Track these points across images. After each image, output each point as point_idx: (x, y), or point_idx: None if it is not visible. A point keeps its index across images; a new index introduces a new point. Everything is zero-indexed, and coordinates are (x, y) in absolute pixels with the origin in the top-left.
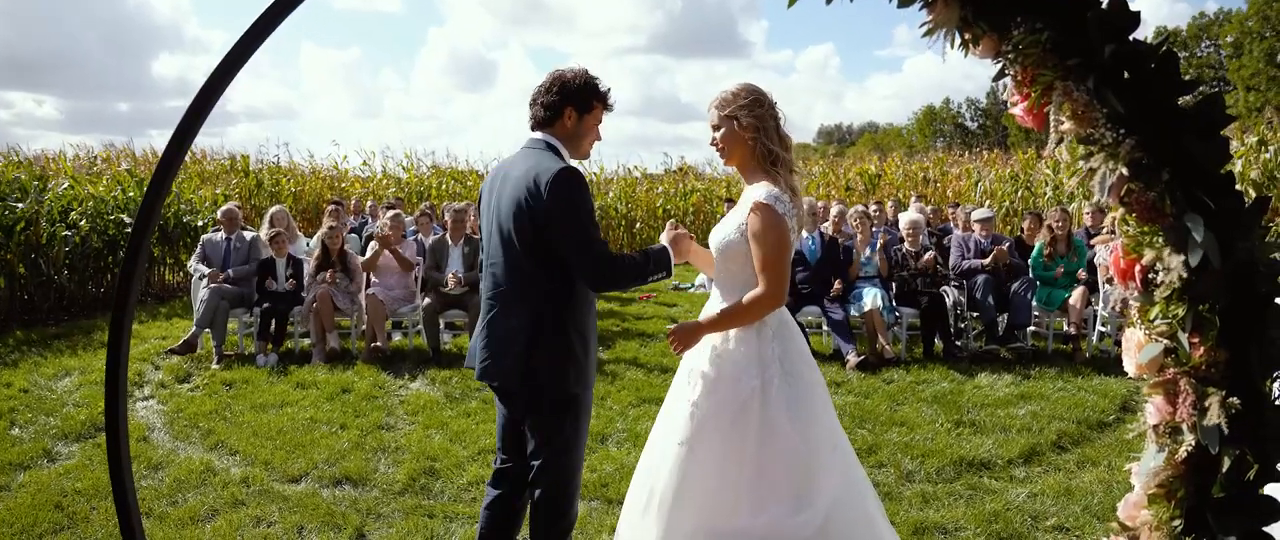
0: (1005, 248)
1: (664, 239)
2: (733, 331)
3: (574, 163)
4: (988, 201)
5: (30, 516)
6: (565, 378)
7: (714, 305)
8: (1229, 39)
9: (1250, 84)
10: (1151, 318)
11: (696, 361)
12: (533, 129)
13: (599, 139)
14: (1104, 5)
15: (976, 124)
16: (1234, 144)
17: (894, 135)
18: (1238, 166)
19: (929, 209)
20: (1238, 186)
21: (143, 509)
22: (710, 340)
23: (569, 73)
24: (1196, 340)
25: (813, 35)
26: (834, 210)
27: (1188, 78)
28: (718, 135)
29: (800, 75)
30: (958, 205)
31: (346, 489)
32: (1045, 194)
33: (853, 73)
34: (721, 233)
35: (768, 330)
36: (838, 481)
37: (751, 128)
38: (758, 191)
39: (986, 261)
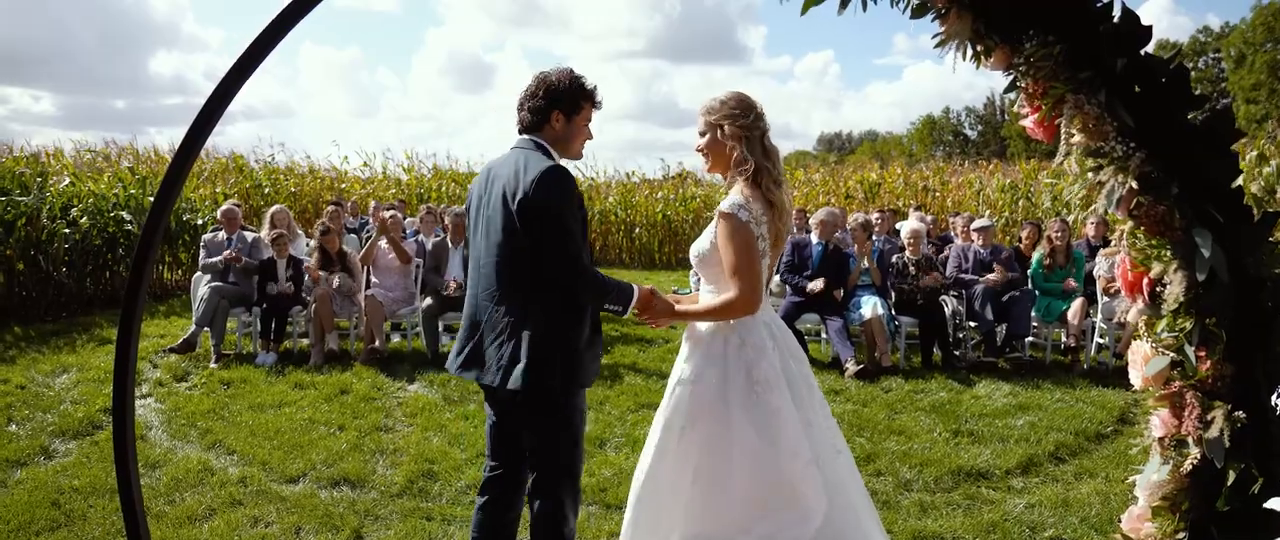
0: (1004, 273)
1: (639, 287)
2: (704, 343)
3: (566, 163)
4: (988, 211)
5: (27, 514)
6: (554, 380)
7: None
8: (1232, 51)
9: (1251, 96)
10: (1158, 331)
11: (679, 369)
12: (521, 133)
13: (590, 138)
14: (1116, 20)
15: (976, 133)
16: None
17: (894, 143)
18: (1238, 180)
19: (929, 218)
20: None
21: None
22: (693, 349)
23: (554, 75)
24: (1203, 354)
25: (812, 42)
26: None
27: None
28: (702, 141)
29: (799, 82)
30: (958, 214)
31: (344, 490)
32: (1043, 205)
33: (852, 80)
34: (698, 244)
35: (734, 337)
36: (827, 492)
37: (735, 137)
38: (724, 201)
39: (991, 278)
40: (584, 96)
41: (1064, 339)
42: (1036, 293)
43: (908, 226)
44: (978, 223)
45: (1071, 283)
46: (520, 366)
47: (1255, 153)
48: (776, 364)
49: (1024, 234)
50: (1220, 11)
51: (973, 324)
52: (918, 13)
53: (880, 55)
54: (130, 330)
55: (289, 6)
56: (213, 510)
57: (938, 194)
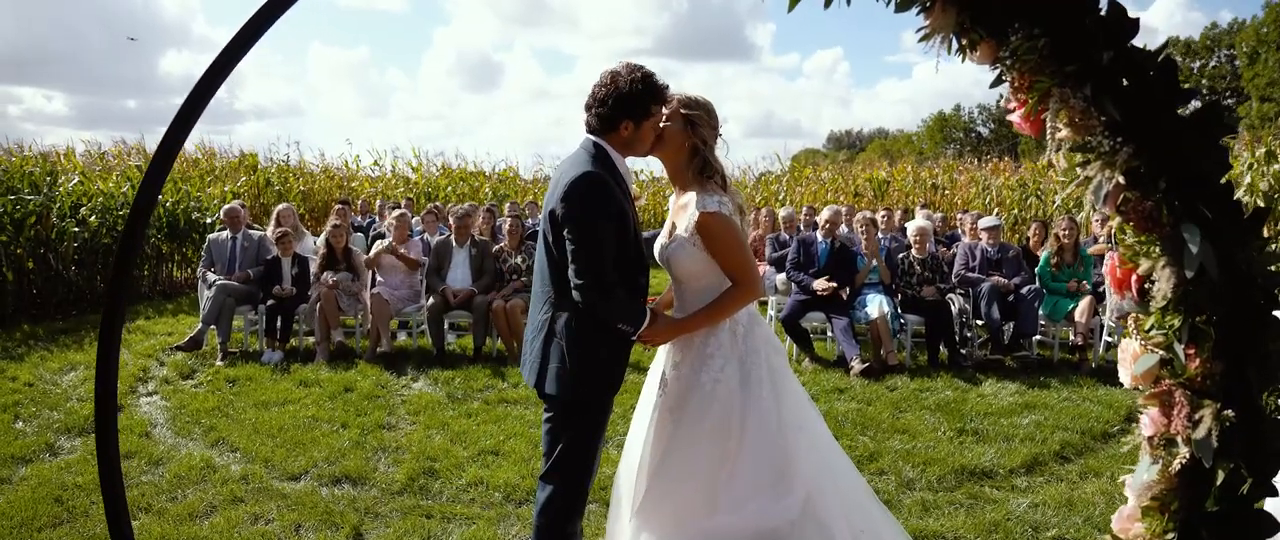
0: (1007, 285)
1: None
2: (704, 333)
3: (632, 161)
4: (997, 209)
5: (30, 510)
6: (573, 382)
7: (678, 314)
8: (1244, 48)
9: (1265, 94)
10: (1147, 328)
11: (670, 366)
12: (587, 132)
13: (658, 130)
14: (1103, 11)
15: (990, 130)
16: (1244, 155)
17: (904, 142)
18: (1247, 178)
19: (938, 217)
20: (1248, 198)
21: (143, 504)
22: (685, 347)
23: (624, 79)
24: (1192, 351)
25: (821, 39)
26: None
27: (1203, 88)
28: (665, 126)
29: (808, 80)
30: (966, 212)
31: (345, 488)
32: (1054, 202)
33: (862, 78)
34: (666, 245)
35: (739, 327)
36: (811, 462)
37: (701, 139)
38: (703, 202)
39: (997, 280)
40: (654, 99)
41: (1072, 337)
42: (1044, 291)
43: (913, 225)
44: (985, 221)
45: (1084, 285)
46: (539, 365)
47: (1264, 150)
48: (772, 336)
49: (1031, 232)
50: (1233, 7)
51: (980, 322)
52: (902, 6)
53: (890, 52)
54: (113, 330)
55: (263, 8)
56: (214, 507)
57: (946, 192)
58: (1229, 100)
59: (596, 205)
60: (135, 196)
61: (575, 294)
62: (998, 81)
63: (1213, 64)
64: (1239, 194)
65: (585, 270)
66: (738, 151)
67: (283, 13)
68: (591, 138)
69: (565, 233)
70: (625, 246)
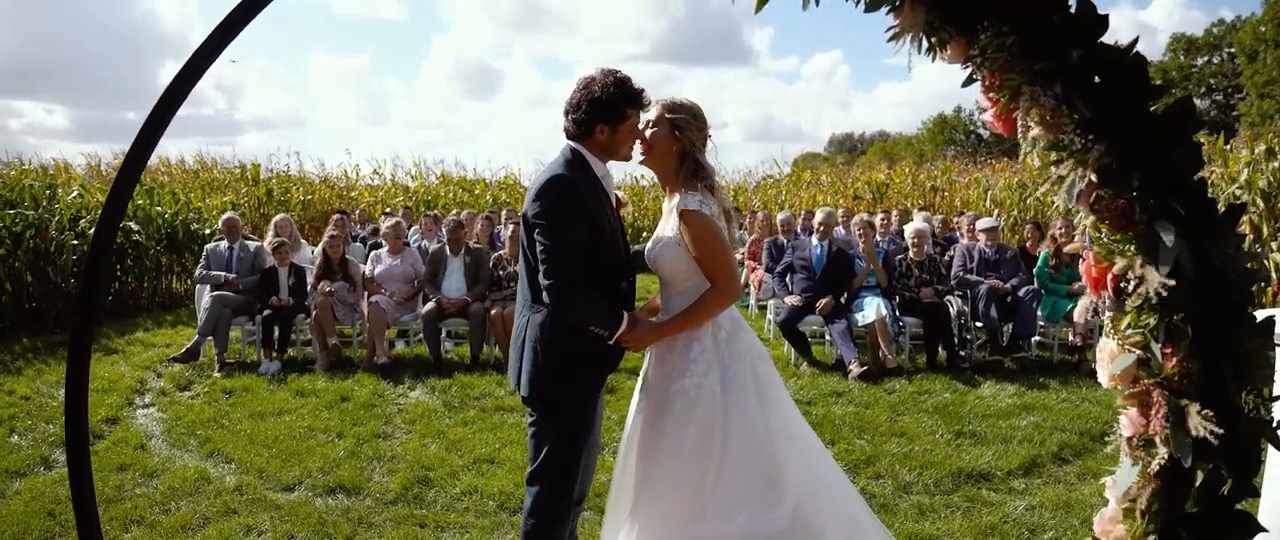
0: (1003, 286)
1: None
2: (686, 339)
3: (613, 165)
4: (997, 211)
5: (22, 524)
6: (547, 383)
7: (664, 317)
8: (1245, 46)
9: (1265, 91)
10: (1123, 327)
11: (653, 371)
12: (566, 137)
13: (641, 137)
14: (1072, 9)
15: (989, 132)
16: (1244, 151)
17: (904, 144)
18: (1245, 174)
19: (937, 219)
20: (1248, 195)
21: (135, 516)
22: (667, 352)
23: (598, 84)
24: (1169, 350)
25: (819, 43)
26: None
27: (1205, 85)
28: (655, 132)
29: (807, 83)
30: (963, 214)
31: (339, 498)
32: (1053, 203)
33: (861, 81)
34: (655, 245)
35: (722, 332)
36: (800, 470)
37: (692, 145)
38: (685, 201)
39: (994, 283)
40: (629, 103)
41: (1071, 338)
42: (1042, 292)
43: (911, 227)
44: (982, 222)
45: (1077, 286)
46: (518, 367)
47: (1264, 147)
48: (757, 344)
49: (1026, 233)
50: (1233, 5)
51: (979, 324)
52: (872, 6)
53: (889, 55)
54: (83, 344)
55: (235, 10)
56: (207, 519)
57: (946, 194)
58: (1236, 98)
59: (565, 208)
60: (106, 200)
61: (545, 296)
62: (969, 81)
63: (1216, 61)
64: (1236, 189)
65: (553, 272)
66: (739, 156)
67: (253, 17)
68: (570, 143)
69: (536, 235)
70: (602, 250)
